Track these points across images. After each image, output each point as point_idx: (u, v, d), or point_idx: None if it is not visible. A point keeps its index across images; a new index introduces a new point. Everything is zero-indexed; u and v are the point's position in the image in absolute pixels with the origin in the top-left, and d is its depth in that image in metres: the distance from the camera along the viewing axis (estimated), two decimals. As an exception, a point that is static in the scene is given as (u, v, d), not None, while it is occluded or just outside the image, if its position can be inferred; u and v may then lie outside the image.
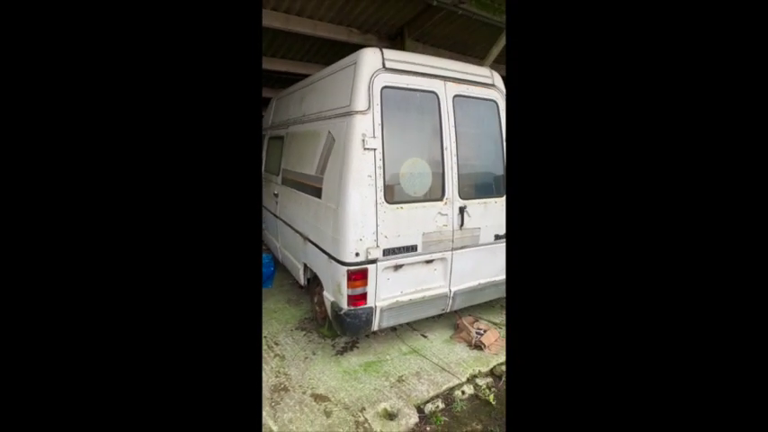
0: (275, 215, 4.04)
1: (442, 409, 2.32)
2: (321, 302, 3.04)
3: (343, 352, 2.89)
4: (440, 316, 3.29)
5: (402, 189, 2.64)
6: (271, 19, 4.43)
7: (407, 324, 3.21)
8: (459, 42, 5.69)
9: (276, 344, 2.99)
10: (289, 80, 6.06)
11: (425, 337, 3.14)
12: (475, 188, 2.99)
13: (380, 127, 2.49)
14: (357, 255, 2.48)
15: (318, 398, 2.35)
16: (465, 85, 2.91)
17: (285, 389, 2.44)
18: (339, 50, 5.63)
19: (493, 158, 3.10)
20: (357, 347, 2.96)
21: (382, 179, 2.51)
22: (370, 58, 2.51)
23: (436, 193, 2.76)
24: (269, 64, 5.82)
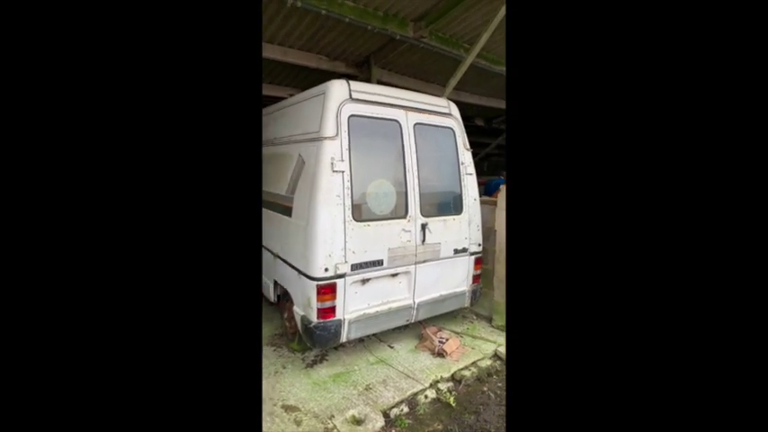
0: (245, 233, 4.11)
1: (407, 413, 2.48)
2: (291, 317, 3.15)
3: (312, 365, 3.00)
4: (406, 327, 3.48)
5: (369, 208, 2.86)
6: (242, 45, 4.59)
7: (375, 335, 3.37)
8: (421, 71, 6.11)
9: (246, 360, 3.05)
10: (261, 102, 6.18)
11: (392, 347, 3.31)
12: (435, 207, 3.26)
13: (348, 151, 2.72)
14: (326, 270, 2.64)
15: (289, 408, 2.45)
16: (425, 114, 3.22)
17: (256, 402, 2.51)
18: (308, 75, 5.89)
19: (450, 180, 3.41)
20: (326, 360, 3.08)
21: (350, 199, 2.72)
22: (337, 89, 2.76)
23: (400, 212, 3.01)
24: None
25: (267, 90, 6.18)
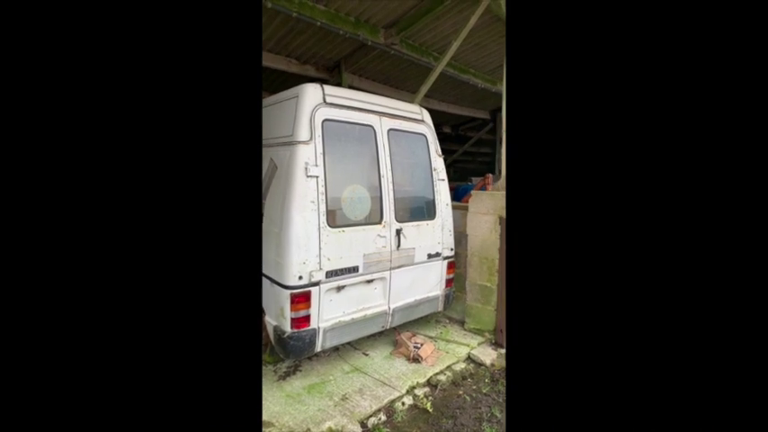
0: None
1: (384, 421, 2.45)
2: (263, 328, 3.02)
3: (285, 377, 2.89)
4: (380, 334, 3.45)
5: (343, 213, 2.82)
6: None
7: (349, 344, 3.32)
8: (392, 78, 6.18)
9: (214, 375, 2.88)
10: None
11: (367, 354, 3.27)
12: (409, 212, 3.28)
13: (322, 156, 2.67)
14: (300, 278, 2.57)
15: (262, 424, 2.34)
16: (398, 120, 3.24)
17: (226, 419, 2.38)
18: (278, 77, 5.77)
19: (424, 185, 3.44)
20: (300, 371, 2.98)
21: (325, 204, 2.66)
22: (311, 92, 2.71)
23: (375, 217, 2.99)
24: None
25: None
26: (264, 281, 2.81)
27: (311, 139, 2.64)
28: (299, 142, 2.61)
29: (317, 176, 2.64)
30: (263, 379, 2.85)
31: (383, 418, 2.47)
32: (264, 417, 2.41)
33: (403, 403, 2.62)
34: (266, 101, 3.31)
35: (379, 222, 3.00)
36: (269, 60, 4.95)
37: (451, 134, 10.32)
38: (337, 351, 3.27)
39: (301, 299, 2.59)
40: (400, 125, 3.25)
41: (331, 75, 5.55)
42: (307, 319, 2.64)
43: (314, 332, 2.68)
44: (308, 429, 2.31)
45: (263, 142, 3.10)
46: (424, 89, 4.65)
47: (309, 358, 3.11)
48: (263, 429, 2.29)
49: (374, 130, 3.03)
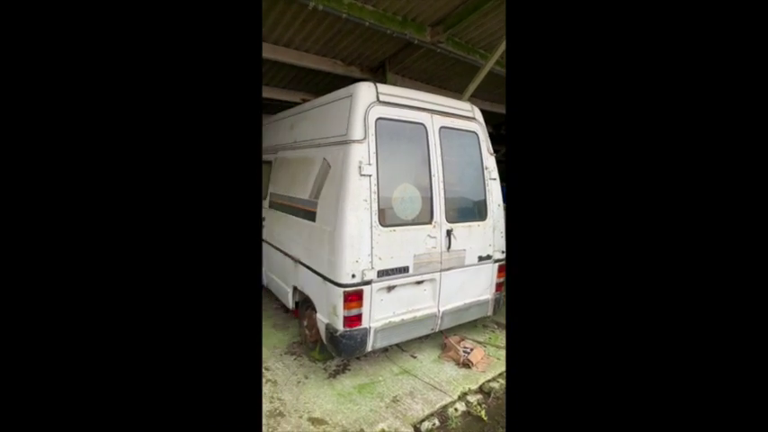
0: (261, 239, 4.04)
1: (438, 427, 2.38)
2: (312, 325, 3.05)
3: (335, 375, 2.90)
4: (427, 336, 3.38)
5: (394, 213, 2.79)
6: (259, 49, 4.57)
7: (397, 345, 3.28)
8: (436, 77, 6.10)
9: (267, 369, 2.95)
10: (273, 106, 6.19)
11: (415, 357, 3.21)
12: (460, 212, 3.19)
13: (375, 155, 2.66)
14: (353, 276, 2.56)
15: (316, 421, 2.35)
16: (450, 118, 3.17)
17: (281, 414, 2.41)
18: (323, 79, 5.87)
19: (475, 185, 3.34)
20: (349, 370, 2.98)
21: (377, 203, 2.64)
22: (365, 91, 2.71)
23: (425, 217, 2.93)
24: (252, 90, 5.92)
25: (281, 95, 6.16)
26: (315, 278, 2.83)
27: (365, 137, 2.63)
28: (353, 141, 2.61)
29: (371, 175, 2.62)
30: (313, 375, 2.88)
31: (437, 423, 2.40)
32: (317, 414, 2.42)
33: (456, 409, 2.54)
34: (316, 102, 3.36)
35: (430, 222, 2.94)
36: (315, 62, 5.04)
37: (494, 134, 10.02)
38: (385, 352, 3.24)
39: (354, 297, 2.58)
40: (452, 123, 3.17)
41: (375, 75, 5.56)
42: (358, 318, 2.63)
43: (365, 332, 2.66)
44: (362, 429, 2.29)
45: (315, 142, 3.14)
46: (473, 87, 4.53)
47: (358, 358, 3.10)
48: (317, 427, 2.30)
49: (426, 129, 2.98)
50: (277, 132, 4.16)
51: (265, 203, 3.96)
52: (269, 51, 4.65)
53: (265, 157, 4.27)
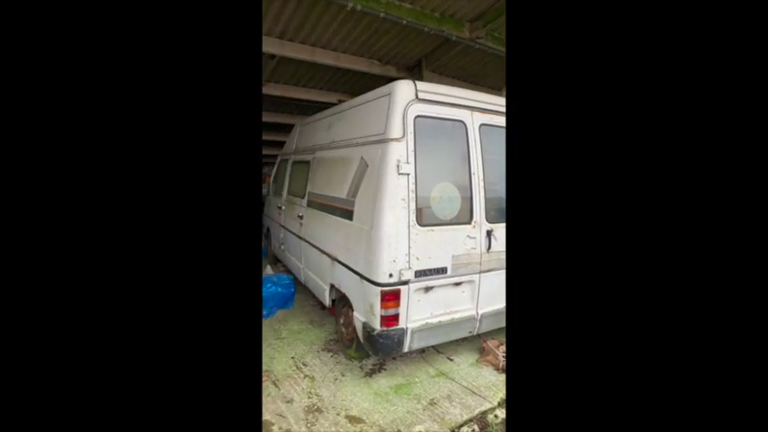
0: (299, 236, 4.13)
1: (477, 433, 2.31)
2: (349, 323, 3.07)
3: (371, 374, 2.90)
4: (464, 339, 3.29)
5: (433, 212, 2.74)
6: (297, 51, 4.69)
7: (433, 347, 3.22)
8: (473, 74, 5.96)
9: (305, 365, 3.01)
10: (310, 107, 6.33)
11: (451, 360, 3.14)
12: (500, 212, 3.07)
13: (413, 153, 2.62)
14: (390, 276, 2.54)
15: (353, 420, 2.36)
16: (489, 115, 3.07)
17: (319, 410, 2.44)
18: (359, 80, 5.92)
19: (516, 184, 3.21)
20: (385, 369, 2.97)
21: (414, 202, 2.61)
22: (404, 89, 2.68)
23: (465, 217, 2.86)
24: (293, 92, 6.10)
25: (319, 96, 6.29)
26: (353, 276, 2.85)
27: (403, 136, 2.60)
28: (392, 140, 2.60)
29: (409, 174, 2.59)
30: (349, 373, 2.90)
31: (476, 428, 2.33)
32: (354, 412, 2.43)
33: (496, 416, 2.45)
34: (354, 101, 3.38)
35: (469, 222, 2.86)
36: (351, 62, 5.09)
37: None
38: (421, 353, 3.19)
39: (391, 297, 2.56)
40: (492, 120, 3.07)
41: (411, 74, 5.52)
42: (396, 317, 2.61)
43: (402, 332, 2.64)
44: (399, 431, 2.27)
45: (352, 141, 3.16)
46: (513, 82, 4.36)
47: (394, 358, 3.08)
48: (354, 425, 2.31)
49: (465, 126, 2.90)
50: (315, 133, 4.24)
51: (303, 202, 4.05)
52: (308, 53, 4.75)
53: (303, 157, 4.36)
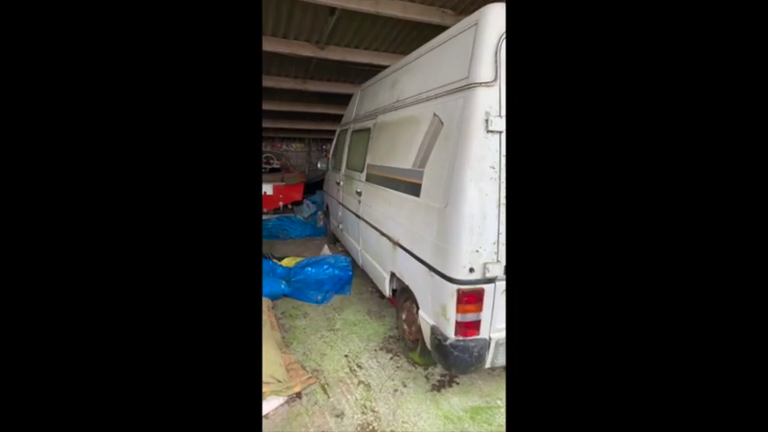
0: (357, 215, 3.65)
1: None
2: (413, 322, 2.52)
3: (439, 387, 2.34)
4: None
5: (531, 186, 2.01)
6: (359, 2, 4.10)
7: (518, 358, 2.55)
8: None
9: (359, 366, 2.54)
10: (372, 72, 5.73)
11: (543, 378, 2.45)
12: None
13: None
14: (471, 270, 1.91)
15: (417, 453, 1.83)
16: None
17: (374, 431, 1.95)
18: (428, 36, 5.14)
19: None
20: (457, 383, 2.38)
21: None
22: (496, 16, 1.94)
23: (575, 194, 2.08)
24: (354, 55, 5.56)
25: (382, 59, 5.68)
26: (419, 266, 2.26)
27: (495, 79, 1.89)
28: (479, 84, 1.89)
29: (501, 132, 1.88)
30: (413, 384, 2.36)
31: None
32: (419, 441, 1.89)
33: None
34: (427, 46, 2.71)
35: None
36: (420, 13, 4.36)
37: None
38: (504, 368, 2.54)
39: (471, 298, 1.93)
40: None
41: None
42: (476, 325, 1.98)
43: (484, 343, 2.01)
44: (479, 480, 1.68)
45: (422, 96, 2.51)
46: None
47: (468, 369, 2.48)
48: (419, 460, 1.77)
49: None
50: (377, 95, 3.65)
51: (362, 176, 3.53)
52: (371, 5, 4.12)
53: (363, 124, 3.82)
